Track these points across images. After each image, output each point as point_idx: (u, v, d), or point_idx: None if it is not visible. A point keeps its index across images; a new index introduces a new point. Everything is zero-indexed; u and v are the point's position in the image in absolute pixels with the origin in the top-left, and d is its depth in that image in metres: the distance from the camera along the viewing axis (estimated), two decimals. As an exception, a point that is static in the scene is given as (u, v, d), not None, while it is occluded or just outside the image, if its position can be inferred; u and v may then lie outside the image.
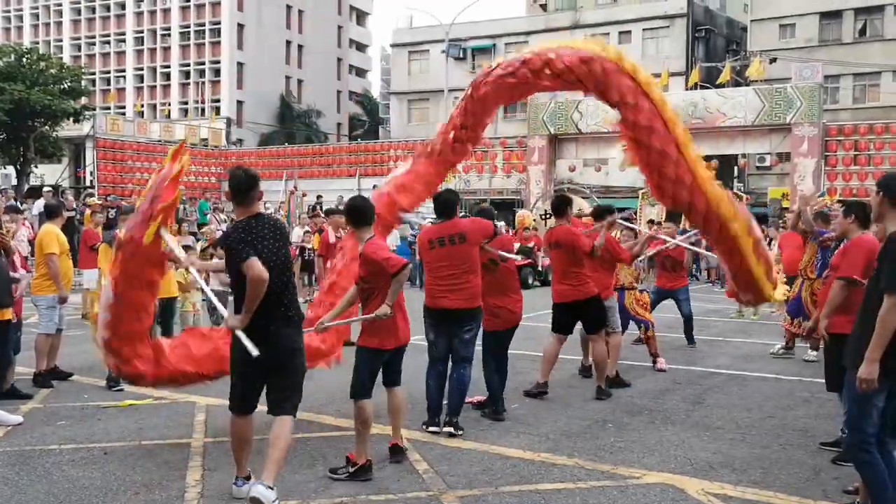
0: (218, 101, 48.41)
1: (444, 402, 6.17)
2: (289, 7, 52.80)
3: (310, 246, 15.82)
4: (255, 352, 4.31)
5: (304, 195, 25.93)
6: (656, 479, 5.03)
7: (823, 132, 24.27)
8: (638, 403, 7.19)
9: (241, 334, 4.40)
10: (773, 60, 30.52)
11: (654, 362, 8.89)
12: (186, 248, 9.44)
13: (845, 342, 4.96)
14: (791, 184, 24.66)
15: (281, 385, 4.59)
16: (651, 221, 19.55)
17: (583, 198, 21.65)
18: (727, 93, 26.18)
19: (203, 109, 47.36)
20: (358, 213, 5.28)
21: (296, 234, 16.81)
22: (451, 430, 5.98)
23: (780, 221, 19.43)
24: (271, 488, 4.30)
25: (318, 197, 26.86)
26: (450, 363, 6.21)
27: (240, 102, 48.97)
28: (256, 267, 4.31)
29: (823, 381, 5.63)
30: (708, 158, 29.25)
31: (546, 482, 4.96)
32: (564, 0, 41.95)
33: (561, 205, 7.54)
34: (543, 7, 43.72)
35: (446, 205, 6.27)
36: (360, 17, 65.52)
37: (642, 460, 5.44)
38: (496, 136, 29.63)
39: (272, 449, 4.46)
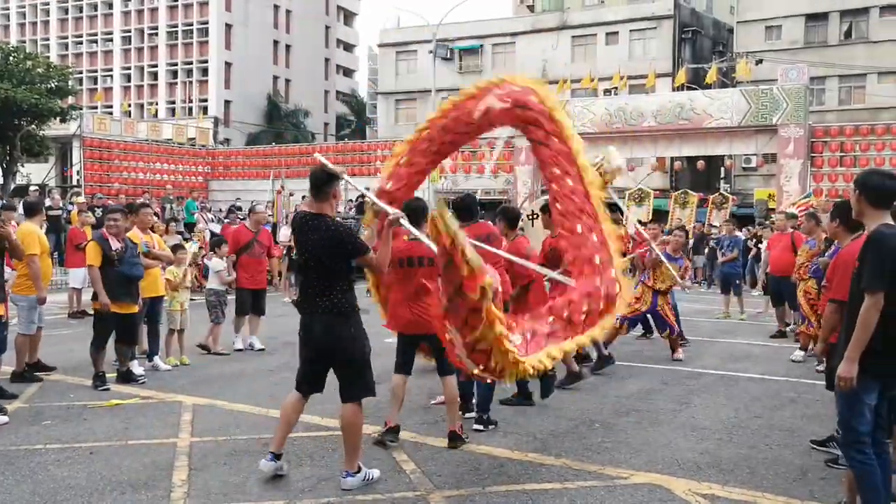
0: (205, 100, 48.25)
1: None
2: (276, 7, 52.68)
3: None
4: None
5: (291, 195, 25.86)
6: (644, 480, 5.04)
7: (809, 133, 24.41)
8: (625, 404, 7.21)
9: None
10: (760, 62, 30.68)
11: (674, 352, 9.64)
12: (176, 247, 9.44)
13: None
14: (777, 185, 24.80)
15: (341, 374, 4.89)
16: (639, 221, 19.60)
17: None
18: (714, 94, 26.30)
19: (191, 109, 47.17)
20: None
21: (283, 234, 16.76)
22: (479, 426, 6.12)
23: (769, 221, 19.54)
24: (354, 474, 4.77)
25: (304, 197, 26.77)
26: None
27: (227, 102, 48.82)
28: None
29: (810, 381, 5.71)
30: (694, 159, 29.49)
31: (533, 482, 4.96)
32: (552, 1, 42.03)
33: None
34: (531, 8, 43.82)
35: (469, 208, 6.45)
36: (348, 17, 65.42)
37: (630, 460, 5.45)
38: (483, 136, 29.62)
39: (344, 438, 4.85)
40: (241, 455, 5.40)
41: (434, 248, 4.69)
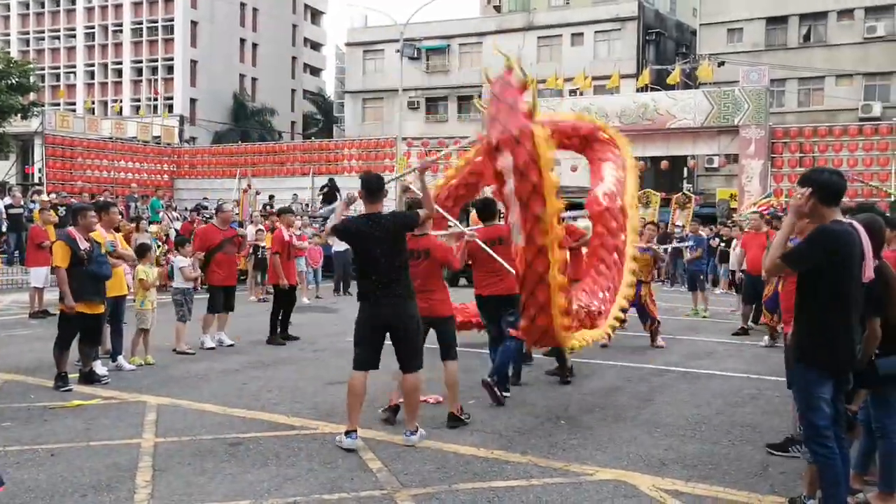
0: (171, 98, 47.65)
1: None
2: (243, 5, 52.24)
3: (263, 244, 15.70)
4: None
5: (257, 193, 25.71)
6: (609, 476, 5.10)
7: (770, 134, 24.87)
8: (590, 401, 7.28)
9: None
10: (722, 64, 31.13)
11: (654, 341, 10.42)
12: (143, 246, 9.33)
13: None
14: (739, 185, 25.23)
15: (405, 348, 5.73)
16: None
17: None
18: (677, 95, 26.67)
19: (156, 107, 46.55)
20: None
21: (250, 233, 16.65)
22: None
23: (730, 222, 19.83)
24: (414, 433, 5.70)
25: (271, 197, 26.69)
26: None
27: (193, 100, 48.29)
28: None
29: (770, 378, 5.84)
30: (658, 159, 29.86)
31: (500, 480, 4.99)
32: (518, 1, 42.24)
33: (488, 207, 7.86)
34: (497, 8, 43.97)
35: (490, 208, 7.75)
36: (315, 15, 65.07)
37: (595, 457, 5.51)
38: (450, 136, 29.71)
39: (406, 403, 5.80)
40: (205, 455, 5.36)
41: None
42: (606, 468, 5.25)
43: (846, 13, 33.65)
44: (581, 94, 29.52)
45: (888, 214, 6.63)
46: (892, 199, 16.52)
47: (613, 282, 8.39)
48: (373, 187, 5.77)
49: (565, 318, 6.26)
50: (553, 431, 6.19)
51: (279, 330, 10.53)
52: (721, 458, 5.57)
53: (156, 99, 46.18)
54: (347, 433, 5.56)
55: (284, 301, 10.67)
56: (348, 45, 44.95)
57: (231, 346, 9.93)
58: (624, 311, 8.67)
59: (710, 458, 5.55)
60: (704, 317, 14.06)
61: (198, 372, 8.38)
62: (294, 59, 58.77)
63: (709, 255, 17.04)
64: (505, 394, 7.11)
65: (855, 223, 4.20)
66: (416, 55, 40.36)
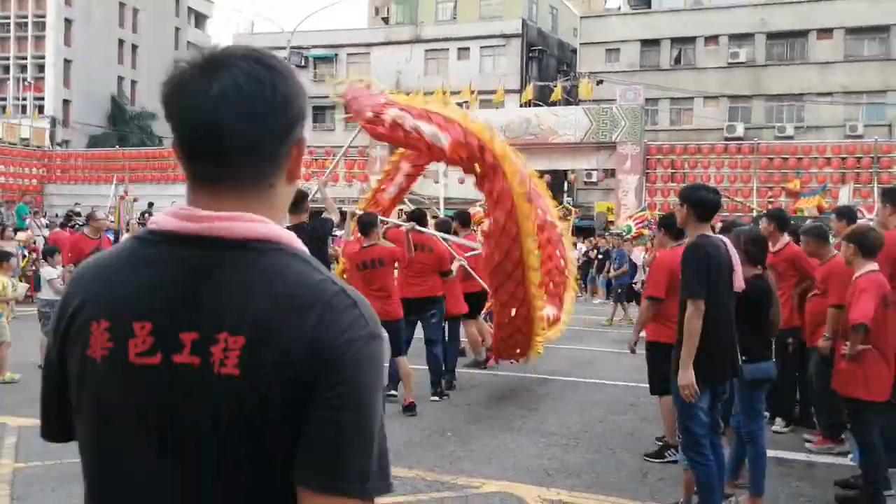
0: (42, 98, 44.96)
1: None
2: (122, 5, 50.02)
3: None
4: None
5: (135, 200, 24.58)
6: (496, 488, 5.13)
7: (644, 151, 26.00)
8: (476, 411, 7.33)
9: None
10: (600, 82, 32.31)
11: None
12: (5, 254, 8.71)
13: (658, 349, 5.53)
14: (616, 198, 26.22)
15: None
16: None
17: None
18: (559, 111, 27.47)
19: (24, 107, 43.80)
20: None
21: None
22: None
23: (608, 234, 20.56)
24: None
25: (150, 204, 25.57)
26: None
27: (66, 101, 45.75)
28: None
29: (646, 385, 6.06)
30: (541, 173, 30.50)
31: (387, 496, 4.90)
32: (406, 14, 42.45)
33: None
34: (385, 20, 44.03)
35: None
36: (199, 19, 63.14)
37: (481, 469, 5.53)
38: (337, 145, 29.42)
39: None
40: (72, 481, 5.01)
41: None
42: (493, 480, 5.29)
43: (712, 39, 35.67)
44: (468, 107, 29.89)
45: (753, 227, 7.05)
46: (754, 213, 17.58)
47: (560, 290, 9.28)
48: (296, 198, 6.13)
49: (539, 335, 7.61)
50: (441, 444, 6.18)
51: None
52: (603, 466, 5.72)
53: (24, 98, 43.48)
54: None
55: None
56: (233, 50, 43.82)
57: None
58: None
59: (593, 467, 5.68)
60: (606, 325, 14.54)
61: (66, 391, 7.86)
62: (177, 62, 56.79)
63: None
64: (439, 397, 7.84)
65: (722, 237, 4.46)
66: (303, 63, 39.83)
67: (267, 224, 1.16)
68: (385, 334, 1.36)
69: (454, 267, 8.22)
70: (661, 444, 6.10)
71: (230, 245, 1.13)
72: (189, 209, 1.16)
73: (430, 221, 8.97)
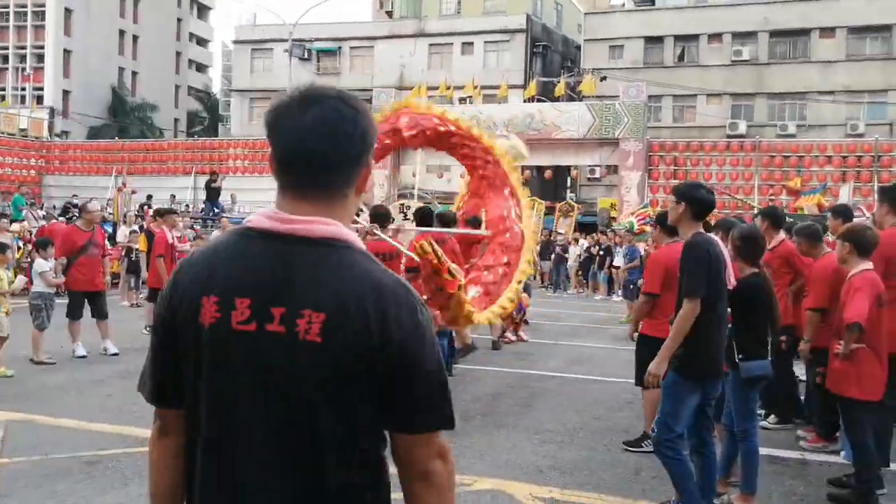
0: (41, 89, 44.89)
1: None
2: (122, -6, 49.98)
3: (136, 247, 14.95)
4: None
5: (133, 192, 24.55)
6: (487, 486, 5.08)
7: (647, 148, 25.92)
8: (471, 407, 7.28)
9: None
10: (604, 78, 32.21)
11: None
12: (2, 245, 8.65)
13: (648, 342, 5.63)
14: (619, 195, 26.14)
15: None
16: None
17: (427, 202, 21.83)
18: (562, 107, 27.38)
19: (23, 97, 43.77)
20: None
21: (121, 234, 15.85)
22: None
23: (610, 230, 20.53)
24: None
25: (149, 196, 25.55)
26: None
27: (66, 92, 45.69)
28: None
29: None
30: (543, 168, 30.56)
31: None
32: (410, 8, 42.32)
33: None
34: (389, 14, 43.90)
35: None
36: (202, 10, 63.10)
37: (473, 466, 5.48)
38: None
39: None
40: (57, 477, 4.95)
41: (393, 243, 7.37)
42: (485, 477, 5.23)
43: (716, 37, 35.55)
44: (471, 102, 29.85)
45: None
46: (755, 211, 17.52)
47: (509, 267, 8.60)
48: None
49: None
50: (433, 440, 6.12)
51: None
52: (597, 463, 5.67)
53: (24, 88, 43.44)
54: None
55: None
56: (236, 42, 43.72)
57: (115, 354, 9.31)
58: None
59: (587, 465, 5.63)
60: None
61: (57, 383, 7.81)
62: (178, 54, 56.69)
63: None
64: None
65: (712, 235, 4.42)
66: (306, 56, 39.73)
67: (338, 226, 1.51)
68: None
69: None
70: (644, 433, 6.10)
71: (310, 242, 1.48)
72: (278, 213, 1.51)
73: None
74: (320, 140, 1.49)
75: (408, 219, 10.58)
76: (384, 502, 1.59)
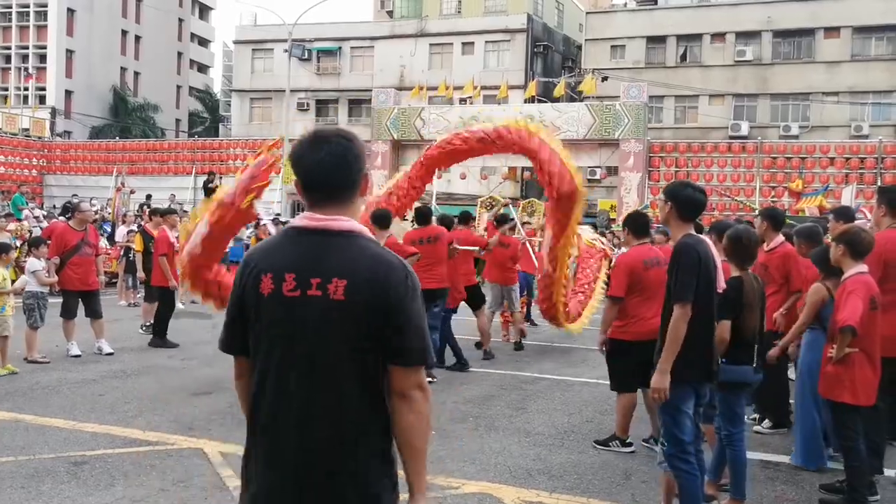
0: (43, 89, 44.91)
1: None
2: (125, -6, 49.96)
3: (134, 246, 14.92)
4: None
5: (132, 192, 24.55)
6: (475, 489, 5.04)
7: (648, 149, 25.83)
8: (463, 410, 7.24)
9: None
10: (605, 79, 32.12)
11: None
12: (4, 245, 8.63)
13: (615, 346, 5.76)
14: (618, 196, 26.05)
15: None
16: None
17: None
18: (562, 107, 27.29)
19: (25, 97, 43.77)
20: None
21: (120, 234, 15.84)
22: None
23: (609, 232, 20.45)
24: None
25: (148, 196, 25.53)
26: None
27: (68, 92, 45.67)
28: None
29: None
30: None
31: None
32: (410, 8, 42.28)
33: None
34: (390, 14, 43.88)
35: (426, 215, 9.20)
36: (203, 11, 63.09)
37: (462, 469, 5.44)
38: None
39: None
40: (43, 477, 4.94)
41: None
42: (473, 481, 5.20)
43: (719, 36, 35.45)
44: (471, 102, 29.81)
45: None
46: (756, 213, 17.46)
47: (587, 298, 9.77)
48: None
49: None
50: (423, 443, 6.07)
51: (161, 331, 10.36)
52: (587, 467, 5.62)
53: (26, 88, 43.45)
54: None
55: (170, 303, 10.54)
56: (237, 42, 43.72)
57: (110, 354, 9.32)
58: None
59: (576, 468, 5.58)
60: None
61: (48, 383, 7.79)
62: (180, 54, 56.65)
63: None
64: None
65: (703, 237, 4.33)
66: (306, 56, 39.70)
67: (351, 222, 2.19)
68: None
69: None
70: (645, 444, 6.04)
71: (334, 234, 2.17)
72: (312, 215, 2.20)
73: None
74: (332, 169, 2.18)
75: (406, 219, 10.65)
76: (384, 411, 2.20)
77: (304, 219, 2.21)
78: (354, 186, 2.22)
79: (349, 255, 2.13)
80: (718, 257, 4.26)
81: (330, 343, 2.11)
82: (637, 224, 6.09)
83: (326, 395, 2.11)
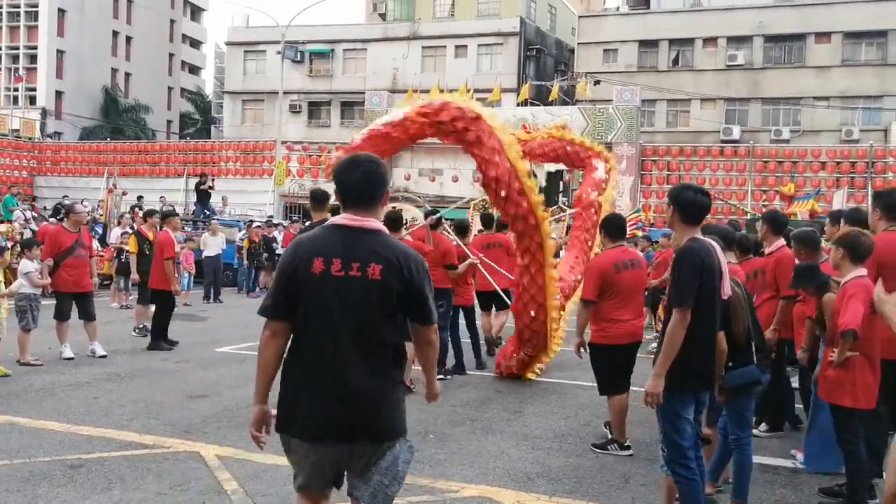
0: (33, 89, 44.67)
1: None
2: (116, -5, 49.77)
3: (127, 248, 14.83)
4: None
5: (124, 193, 24.44)
6: (474, 493, 5.01)
7: (640, 152, 25.93)
8: (460, 413, 7.22)
9: None
10: (598, 82, 32.20)
11: None
12: (-1, 248, 8.57)
13: (597, 350, 5.87)
14: (611, 199, 26.09)
15: None
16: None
17: (416, 206, 21.83)
18: (555, 110, 27.38)
19: (16, 98, 43.53)
20: None
21: (114, 236, 15.74)
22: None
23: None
24: None
25: (139, 198, 25.42)
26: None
27: (59, 93, 45.47)
28: None
29: (635, 388, 6.00)
30: (534, 173, 30.50)
31: (363, 498, 4.79)
32: (403, 11, 42.27)
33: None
34: (383, 16, 43.86)
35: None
36: (195, 12, 62.93)
37: (461, 472, 5.42)
38: (332, 141, 29.30)
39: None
40: (39, 480, 4.88)
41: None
42: (472, 484, 5.17)
43: (711, 41, 35.59)
44: (463, 105, 29.78)
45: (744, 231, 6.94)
46: (749, 217, 17.51)
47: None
48: (318, 197, 6.95)
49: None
50: (421, 446, 6.03)
51: (160, 335, 10.32)
52: (585, 470, 5.61)
53: (16, 89, 43.21)
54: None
55: (169, 307, 10.52)
56: (229, 44, 43.59)
57: (103, 356, 9.26)
58: None
59: (575, 472, 5.57)
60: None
61: (42, 385, 7.72)
62: (172, 55, 56.49)
63: None
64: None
65: (711, 240, 4.23)
66: (298, 58, 39.62)
67: (377, 222, 2.98)
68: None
69: (462, 266, 8.90)
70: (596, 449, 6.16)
71: (367, 231, 2.95)
72: (350, 216, 2.95)
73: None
74: (364, 185, 2.98)
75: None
76: (401, 365, 3.08)
77: (345, 219, 2.96)
78: (380, 197, 3.02)
79: (380, 247, 2.92)
80: (725, 262, 4.19)
81: (370, 310, 2.89)
82: (611, 227, 6.08)
83: (363, 350, 2.91)
